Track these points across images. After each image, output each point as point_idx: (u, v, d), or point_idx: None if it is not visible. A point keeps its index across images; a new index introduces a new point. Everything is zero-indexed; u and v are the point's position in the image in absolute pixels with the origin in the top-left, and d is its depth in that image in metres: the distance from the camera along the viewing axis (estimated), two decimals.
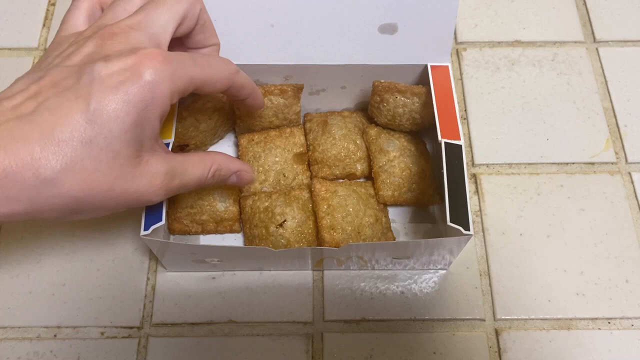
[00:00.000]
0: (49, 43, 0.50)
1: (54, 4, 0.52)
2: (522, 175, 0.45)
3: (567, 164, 0.45)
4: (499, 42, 0.51)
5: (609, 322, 0.40)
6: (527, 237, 0.42)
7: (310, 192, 0.41)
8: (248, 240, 0.41)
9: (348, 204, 0.40)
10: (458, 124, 0.38)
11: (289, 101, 0.42)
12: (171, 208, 0.40)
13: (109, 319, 0.39)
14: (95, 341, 0.39)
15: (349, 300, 0.40)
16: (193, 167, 0.32)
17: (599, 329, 0.39)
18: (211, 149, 0.45)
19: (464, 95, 0.48)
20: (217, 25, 0.37)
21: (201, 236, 0.42)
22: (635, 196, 0.44)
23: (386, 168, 0.41)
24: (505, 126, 0.47)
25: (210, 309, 0.40)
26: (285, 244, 0.39)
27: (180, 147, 0.41)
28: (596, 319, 0.40)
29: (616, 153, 0.46)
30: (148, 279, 0.41)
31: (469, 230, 0.34)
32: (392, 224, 0.42)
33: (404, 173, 0.41)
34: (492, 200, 0.44)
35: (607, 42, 0.51)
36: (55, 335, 0.39)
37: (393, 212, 0.43)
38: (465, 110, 0.48)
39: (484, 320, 0.40)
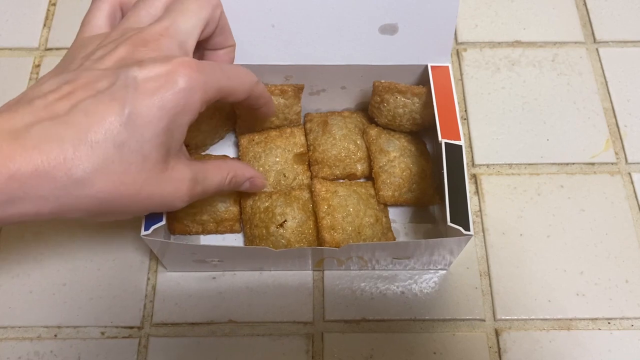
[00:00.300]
0: (49, 43, 0.50)
1: (54, 4, 0.52)
2: (523, 176, 0.45)
3: (567, 164, 0.45)
4: (499, 43, 0.51)
5: (609, 323, 0.40)
6: (527, 237, 0.42)
7: (311, 192, 0.41)
8: (248, 240, 0.41)
9: (348, 204, 0.40)
10: (458, 124, 0.38)
11: (289, 101, 0.42)
12: None
13: (109, 319, 0.39)
14: (96, 341, 0.39)
15: (349, 301, 0.40)
16: (213, 174, 0.32)
17: (599, 329, 0.39)
18: (212, 148, 0.45)
19: (464, 96, 0.48)
20: None
21: (201, 236, 0.42)
22: (635, 196, 0.44)
23: (386, 168, 0.41)
24: (506, 126, 0.47)
25: (210, 309, 0.40)
26: (285, 244, 0.39)
27: None
28: (596, 319, 0.40)
29: (616, 153, 0.46)
30: (148, 278, 0.41)
31: (469, 230, 0.34)
32: (392, 224, 0.42)
33: (404, 173, 0.41)
34: (492, 200, 0.44)
35: (607, 42, 0.51)
36: (55, 335, 0.39)
37: (393, 212, 0.43)
38: (465, 111, 0.48)
39: (484, 320, 0.40)
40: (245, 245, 0.41)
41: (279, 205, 0.40)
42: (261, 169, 0.42)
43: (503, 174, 0.45)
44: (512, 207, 0.44)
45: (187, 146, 0.41)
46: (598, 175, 0.45)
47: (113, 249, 0.42)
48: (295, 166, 0.43)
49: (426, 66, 0.41)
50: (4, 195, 0.24)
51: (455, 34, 0.51)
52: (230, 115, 0.43)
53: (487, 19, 0.52)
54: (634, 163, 0.45)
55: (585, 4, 0.53)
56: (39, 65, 0.49)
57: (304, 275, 0.41)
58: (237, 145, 0.44)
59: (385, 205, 0.42)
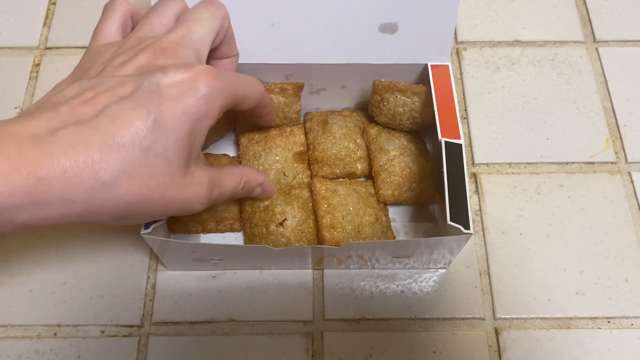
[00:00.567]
0: (49, 42, 0.50)
1: (54, 4, 0.52)
2: (522, 175, 0.45)
3: (567, 163, 0.45)
4: (499, 42, 0.51)
5: (609, 322, 0.40)
6: (527, 236, 0.42)
7: (311, 191, 0.41)
8: (248, 239, 0.41)
9: (348, 203, 0.40)
10: (458, 123, 0.38)
11: (289, 100, 0.42)
12: None
13: (109, 318, 0.39)
14: (96, 340, 0.39)
15: (349, 299, 0.40)
16: (228, 179, 0.34)
17: (599, 328, 0.39)
18: (212, 147, 0.45)
19: (464, 95, 0.48)
20: None
21: (201, 235, 0.42)
22: (635, 196, 0.44)
23: (386, 167, 0.41)
24: (506, 126, 0.47)
25: (210, 308, 0.40)
26: (285, 242, 0.39)
27: None
28: (596, 318, 0.40)
29: (616, 153, 0.46)
30: (148, 277, 0.41)
31: (469, 229, 0.34)
32: (392, 223, 0.42)
33: (404, 172, 0.41)
34: (492, 199, 0.44)
35: (607, 42, 0.51)
36: (55, 334, 0.39)
37: (393, 211, 0.43)
38: (465, 110, 0.48)
39: (483, 319, 0.40)
40: (245, 244, 0.41)
41: (279, 204, 0.40)
42: (261, 167, 0.42)
43: (503, 173, 0.45)
44: (511, 206, 0.44)
45: None
46: (598, 174, 0.45)
47: (113, 247, 0.42)
48: (295, 165, 0.43)
49: (426, 65, 0.41)
50: (31, 198, 0.24)
51: (455, 33, 0.51)
52: (230, 114, 0.43)
53: (487, 19, 0.52)
54: (633, 162, 0.45)
55: (585, 4, 0.53)
56: (38, 64, 0.49)
57: (304, 274, 0.41)
58: (237, 144, 0.44)
59: (385, 204, 0.43)
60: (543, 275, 0.41)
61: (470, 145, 0.46)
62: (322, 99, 0.45)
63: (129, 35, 0.32)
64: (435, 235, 0.41)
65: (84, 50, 0.49)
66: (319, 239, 0.39)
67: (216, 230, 0.41)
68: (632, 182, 0.45)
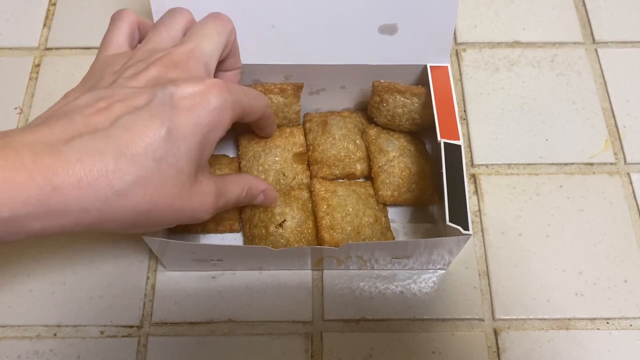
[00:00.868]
0: (49, 43, 0.50)
1: (54, 4, 0.53)
2: (522, 176, 0.45)
3: (566, 164, 0.45)
4: (498, 43, 0.51)
5: (608, 322, 0.40)
6: (526, 237, 0.42)
7: (310, 192, 0.41)
8: (248, 240, 0.41)
9: (348, 204, 0.40)
10: (457, 125, 0.38)
11: (288, 100, 0.42)
12: None
13: (108, 318, 0.39)
14: (95, 340, 0.39)
15: (348, 300, 0.40)
16: (232, 187, 0.34)
17: (598, 329, 0.39)
18: None
19: (463, 96, 0.48)
20: None
21: (201, 235, 0.42)
22: (634, 197, 0.44)
23: (386, 168, 0.41)
24: (505, 127, 0.47)
25: (210, 308, 0.40)
26: (284, 243, 0.39)
27: None
28: (595, 319, 0.40)
29: (615, 154, 0.46)
30: (148, 278, 0.41)
31: (468, 230, 0.34)
32: (391, 224, 0.42)
33: (403, 173, 0.41)
34: (491, 200, 0.44)
35: (606, 43, 0.51)
36: (55, 334, 0.39)
37: (392, 212, 0.43)
38: (464, 111, 0.48)
39: (483, 320, 0.40)
40: (245, 244, 0.41)
41: (279, 205, 0.40)
42: (260, 168, 0.42)
43: (502, 174, 0.45)
44: (511, 207, 0.44)
45: None
46: (597, 175, 0.45)
47: (112, 248, 0.42)
48: (295, 165, 0.43)
49: (425, 66, 0.41)
50: (46, 207, 0.24)
51: (455, 34, 0.51)
52: None
53: (487, 20, 0.52)
54: (632, 163, 0.45)
55: (584, 5, 0.53)
56: (38, 65, 0.49)
57: (304, 275, 0.41)
58: (237, 144, 0.44)
59: (385, 205, 0.43)
60: (542, 276, 0.41)
61: (469, 146, 0.46)
62: (321, 99, 0.45)
63: (138, 47, 0.32)
64: (435, 236, 0.41)
65: (84, 51, 0.50)
66: (319, 239, 0.39)
67: (216, 231, 0.41)
68: (631, 183, 0.45)
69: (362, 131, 0.44)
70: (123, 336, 0.39)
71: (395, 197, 0.41)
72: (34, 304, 0.40)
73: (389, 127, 0.44)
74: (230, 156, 0.44)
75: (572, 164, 0.45)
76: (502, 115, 0.47)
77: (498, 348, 0.39)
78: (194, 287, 0.40)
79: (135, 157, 0.26)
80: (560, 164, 0.45)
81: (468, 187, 0.43)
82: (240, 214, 0.42)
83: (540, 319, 0.40)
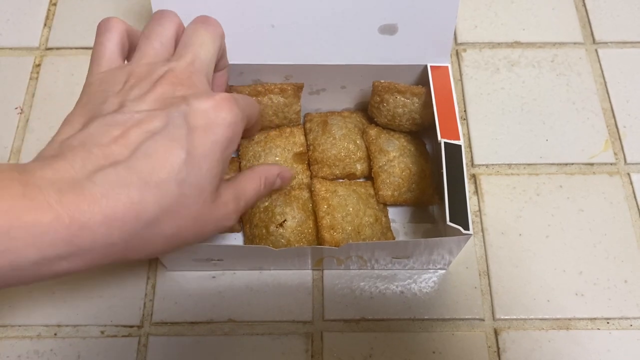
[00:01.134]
0: (50, 43, 0.51)
1: (55, 4, 0.53)
2: (522, 176, 0.45)
3: (566, 164, 0.45)
4: (498, 43, 0.51)
5: (608, 322, 0.40)
6: (527, 237, 0.43)
7: (310, 191, 0.41)
8: (248, 239, 0.41)
9: (348, 204, 0.40)
10: (458, 125, 0.38)
11: (289, 100, 0.42)
12: None
13: (109, 318, 0.39)
14: (96, 340, 0.39)
15: (348, 300, 0.40)
16: (249, 186, 0.34)
17: (598, 329, 0.40)
18: None
19: (463, 96, 0.49)
20: None
21: None
22: (634, 197, 0.44)
23: (386, 168, 0.41)
24: (505, 127, 0.47)
25: (210, 308, 0.40)
26: (285, 243, 0.39)
27: None
28: (595, 319, 0.40)
29: (615, 154, 0.46)
30: (148, 277, 0.41)
31: (468, 230, 0.34)
32: (391, 224, 0.42)
33: (403, 173, 0.41)
34: (491, 200, 0.44)
35: (606, 43, 0.51)
36: (55, 334, 0.39)
37: (393, 212, 0.43)
38: (464, 111, 0.48)
39: (483, 320, 0.40)
40: (245, 244, 0.41)
41: (279, 204, 0.40)
42: None
43: (502, 174, 0.45)
44: (511, 207, 0.44)
45: None
46: (597, 175, 0.45)
47: None
48: (295, 165, 0.43)
49: (426, 66, 0.41)
50: (74, 247, 0.24)
51: (455, 34, 0.51)
52: None
53: (487, 20, 0.52)
54: (633, 163, 0.45)
55: (584, 5, 0.53)
56: (39, 65, 0.49)
57: (304, 275, 0.41)
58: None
59: (385, 204, 0.43)
60: (542, 276, 0.41)
61: (469, 146, 0.46)
62: (322, 99, 0.45)
63: (134, 61, 0.31)
64: (435, 236, 0.41)
65: (84, 51, 0.50)
66: (319, 239, 0.39)
67: None
68: (631, 183, 0.45)
69: (363, 131, 0.44)
70: (123, 336, 0.39)
71: (395, 197, 0.41)
72: (34, 303, 0.40)
73: (389, 127, 0.44)
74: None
75: (572, 164, 0.45)
76: (503, 116, 0.48)
77: (498, 348, 0.39)
78: (194, 287, 0.40)
79: (159, 184, 0.26)
80: (560, 164, 0.45)
81: (468, 187, 0.44)
82: None
83: (540, 319, 0.40)
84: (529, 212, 0.43)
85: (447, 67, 0.41)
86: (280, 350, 0.38)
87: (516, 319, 0.40)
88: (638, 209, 0.44)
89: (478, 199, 0.44)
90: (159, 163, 0.26)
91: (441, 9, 0.38)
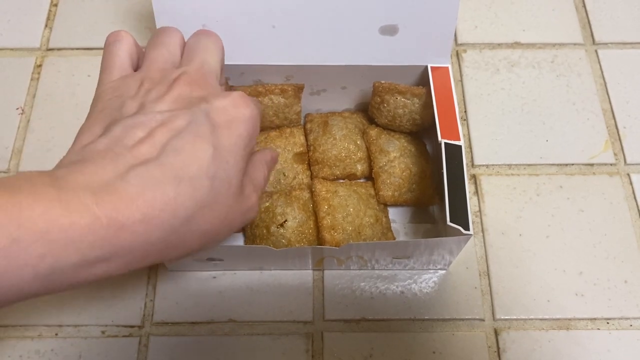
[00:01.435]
0: (51, 43, 0.51)
1: (56, 5, 0.53)
2: (522, 176, 0.45)
3: (566, 165, 0.46)
4: (498, 44, 0.51)
5: (608, 323, 0.40)
6: (527, 237, 0.43)
7: (311, 192, 0.41)
8: (249, 240, 0.41)
9: (348, 204, 0.40)
10: (458, 125, 0.38)
11: (289, 100, 0.42)
12: None
13: (110, 318, 0.40)
14: (97, 340, 0.39)
15: (349, 300, 0.40)
16: (258, 174, 0.34)
17: (598, 329, 0.40)
18: None
19: (463, 96, 0.49)
20: (220, 26, 0.38)
21: None
22: (634, 197, 0.44)
23: (386, 168, 0.42)
24: (505, 127, 0.47)
25: (210, 308, 0.40)
26: (286, 243, 0.39)
27: None
28: (595, 319, 0.40)
29: (615, 154, 0.46)
30: (149, 278, 0.41)
31: (468, 230, 0.34)
32: (392, 224, 0.42)
33: (404, 173, 0.41)
34: (491, 200, 0.44)
35: (606, 44, 0.51)
36: (56, 334, 0.39)
37: (393, 212, 0.43)
38: (465, 111, 0.48)
39: (483, 320, 0.40)
40: (246, 244, 0.41)
41: (280, 205, 0.40)
42: None
43: (502, 175, 0.45)
44: (511, 207, 0.44)
45: None
46: (597, 176, 0.45)
47: None
48: (295, 165, 0.43)
49: (426, 67, 0.41)
50: (114, 248, 0.24)
51: (455, 35, 0.51)
52: None
53: (487, 21, 0.52)
54: (632, 164, 0.45)
55: (584, 6, 0.53)
56: (40, 66, 0.50)
57: (304, 275, 0.41)
58: None
59: (385, 205, 0.43)
60: (542, 276, 0.41)
61: (469, 146, 0.46)
62: (322, 100, 0.45)
63: (145, 68, 0.31)
64: (435, 236, 0.42)
65: (85, 52, 0.50)
66: (320, 240, 0.39)
67: None
68: (631, 183, 0.45)
69: (363, 132, 0.44)
70: (124, 336, 0.39)
71: (395, 197, 0.41)
72: (35, 303, 0.40)
73: (389, 128, 0.44)
74: None
75: (572, 164, 0.46)
76: (503, 116, 0.48)
77: (498, 348, 0.39)
78: (195, 287, 0.40)
79: (192, 179, 0.26)
80: (560, 165, 0.46)
81: (468, 188, 0.44)
82: None
83: (540, 319, 0.40)
84: (529, 213, 0.43)
85: (447, 67, 0.41)
86: (280, 350, 0.39)
87: (516, 319, 0.40)
88: (638, 209, 0.44)
89: (478, 199, 0.44)
90: (189, 159, 0.26)
91: (441, 10, 0.38)
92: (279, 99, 0.42)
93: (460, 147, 0.37)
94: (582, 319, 0.40)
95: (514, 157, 0.46)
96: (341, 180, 0.43)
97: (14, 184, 0.22)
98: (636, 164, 0.45)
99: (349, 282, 0.41)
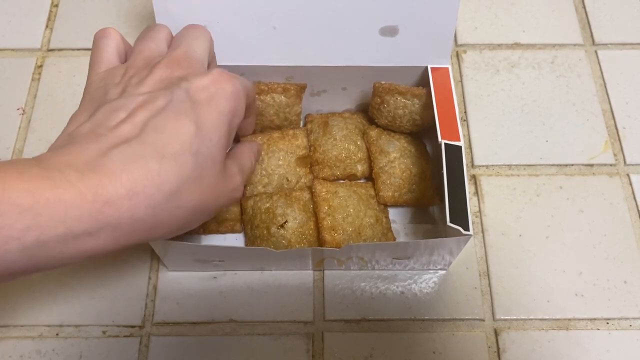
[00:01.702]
0: (51, 44, 0.51)
1: (56, 5, 0.53)
2: (522, 177, 0.45)
3: (566, 165, 0.46)
4: (498, 45, 0.51)
5: (608, 323, 0.40)
6: (527, 238, 0.43)
7: (311, 193, 0.41)
8: (249, 240, 0.41)
9: (349, 205, 0.40)
10: (458, 126, 0.38)
11: (290, 100, 0.42)
12: None
13: (110, 318, 0.40)
14: (97, 340, 0.39)
15: (349, 300, 0.40)
16: (245, 157, 0.35)
17: (598, 329, 0.40)
18: None
19: (463, 97, 0.49)
20: (220, 27, 0.38)
21: (203, 236, 0.42)
22: (634, 197, 0.44)
23: (386, 169, 0.42)
24: (505, 128, 0.47)
25: (211, 308, 0.40)
26: (286, 244, 0.39)
27: None
28: (595, 319, 0.40)
29: (615, 155, 0.46)
30: (150, 278, 0.41)
31: (468, 230, 0.34)
32: (392, 225, 0.42)
33: (404, 174, 0.41)
34: (491, 201, 0.44)
35: (605, 44, 0.51)
36: (57, 334, 0.39)
37: (393, 213, 0.43)
38: (465, 112, 0.48)
39: (483, 320, 0.40)
40: (246, 245, 0.41)
41: (280, 206, 0.40)
42: (264, 172, 0.42)
43: (502, 175, 0.45)
44: (511, 207, 0.44)
45: None
46: (597, 176, 0.45)
47: None
48: (298, 169, 0.43)
49: (426, 68, 0.41)
50: (100, 223, 0.24)
51: (455, 35, 0.51)
52: None
53: (487, 21, 0.52)
54: (632, 164, 0.46)
55: (584, 7, 0.53)
56: (41, 66, 0.50)
57: (305, 275, 0.41)
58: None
59: (385, 205, 0.43)
60: (542, 277, 0.41)
61: (469, 147, 0.46)
62: (322, 100, 0.45)
63: (131, 59, 0.32)
64: (435, 237, 0.42)
65: (86, 52, 0.50)
66: (320, 240, 0.39)
67: (217, 232, 0.42)
68: (630, 184, 0.45)
69: (363, 132, 0.44)
70: (125, 336, 0.39)
71: (396, 197, 0.41)
72: (36, 304, 0.40)
73: (389, 128, 0.44)
74: None
75: (572, 165, 0.46)
76: (503, 117, 0.48)
77: (498, 348, 0.39)
78: (195, 288, 0.41)
79: (175, 156, 0.26)
80: (560, 165, 0.46)
81: (468, 188, 0.44)
82: (242, 214, 0.42)
83: (540, 319, 0.40)
84: (529, 213, 0.44)
85: (447, 68, 0.41)
86: (281, 351, 0.39)
87: (516, 320, 0.40)
88: (638, 209, 0.44)
89: (478, 199, 0.44)
90: (171, 136, 0.27)
91: (441, 11, 0.39)
92: (281, 98, 0.42)
93: (460, 147, 0.37)
94: (582, 319, 0.40)
95: (514, 157, 0.46)
96: (341, 181, 0.43)
97: None
98: (636, 165, 0.46)
99: (349, 283, 0.41)
